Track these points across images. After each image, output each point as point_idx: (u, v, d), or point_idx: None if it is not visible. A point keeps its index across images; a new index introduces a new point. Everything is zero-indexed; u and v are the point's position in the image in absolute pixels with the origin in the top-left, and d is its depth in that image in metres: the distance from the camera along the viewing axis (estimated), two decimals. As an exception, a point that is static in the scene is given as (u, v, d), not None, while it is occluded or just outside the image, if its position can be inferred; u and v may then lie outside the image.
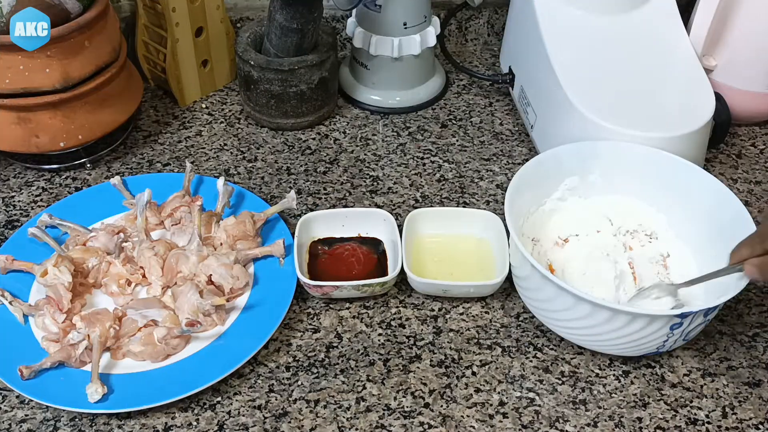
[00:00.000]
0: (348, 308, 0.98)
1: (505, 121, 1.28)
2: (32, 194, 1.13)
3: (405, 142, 1.24)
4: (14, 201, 1.12)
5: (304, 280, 0.94)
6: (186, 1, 1.20)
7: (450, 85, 1.37)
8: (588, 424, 0.85)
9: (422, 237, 1.03)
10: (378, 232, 1.04)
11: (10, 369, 0.86)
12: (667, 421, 0.86)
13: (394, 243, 1.00)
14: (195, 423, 0.85)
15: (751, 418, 0.86)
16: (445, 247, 1.03)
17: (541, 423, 0.85)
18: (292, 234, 1.02)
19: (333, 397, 0.87)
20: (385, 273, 0.99)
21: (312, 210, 1.11)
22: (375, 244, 1.03)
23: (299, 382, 0.89)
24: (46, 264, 0.94)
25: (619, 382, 0.89)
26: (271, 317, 0.93)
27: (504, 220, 0.94)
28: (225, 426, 0.85)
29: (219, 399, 0.87)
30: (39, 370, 0.86)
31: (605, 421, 0.85)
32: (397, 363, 0.91)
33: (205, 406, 0.86)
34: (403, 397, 0.87)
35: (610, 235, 1.02)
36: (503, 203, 0.95)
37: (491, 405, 0.87)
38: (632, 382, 0.90)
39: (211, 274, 0.95)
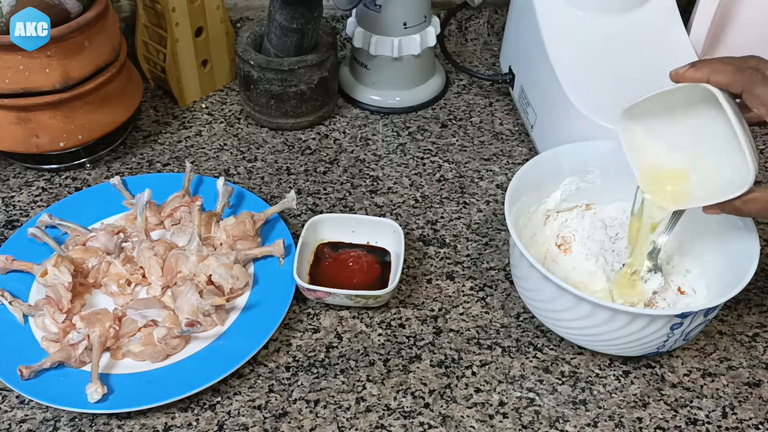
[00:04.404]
0: (348, 308, 0.98)
1: (505, 121, 1.28)
2: (32, 194, 1.14)
3: (405, 142, 1.24)
4: (14, 201, 1.12)
5: (299, 282, 0.94)
6: (186, 1, 1.20)
7: (450, 85, 1.37)
8: (588, 424, 0.85)
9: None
10: (386, 242, 1.04)
11: (10, 369, 0.86)
12: (667, 421, 0.86)
13: (398, 256, 1.00)
14: (195, 423, 0.85)
15: (751, 418, 0.86)
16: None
17: (541, 423, 0.85)
18: (292, 234, 1.03)
19: (333, 397, 0.87)
20: (386, 285, 0.98)
21: (312, 210, 1.11)
22: (382, 254, 1.03)
23: (299, 382, 0.89)
24: (46, 264, 0.94)
25: (619, 382, 0.90)
26: (271, 317, 0.93)
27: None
28: (225, 426, 0.85)
29: (219, 399, 0.87)
30: (39, 370, 0.86)
31: (605, 421, 0.85)
32: (397, 363, 0.91)
33: (205, 406, 0.86)
34: (403, 397, 0.88)
35: (607, 235, 1.02)
36: (503, 203, 0.95)
37: (491, 405, 0.87)
38: (632, 382, 0.90)
39: (211, 274, 0.95)
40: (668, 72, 0.82)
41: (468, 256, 1.05)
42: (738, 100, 0.80)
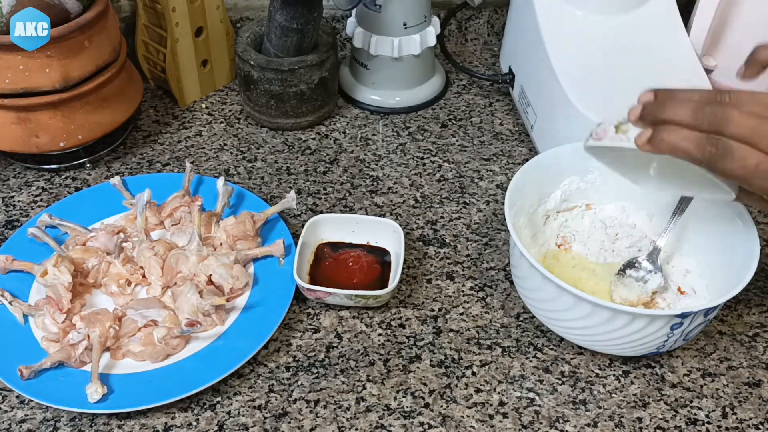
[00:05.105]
0: (348, 308, 0.98)
1: (505, 121, 1.28)
2: (32, 194, 1.13)
3: (405, 142, 1.24)
4: (14, 201, 1.12)
5: (299, 282, 0.94)
6: (186, 1, 1.20)
7: (450, 85, 1.37)
8: (588, 424, 0.85)
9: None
10: (386, 242, 1.04)
11: (10, 369, 0.86)
12: (667, 421, 0.86)
13: (398, 256, 1.00)
14: (195, 423, 0.85)
15: (751, 418, 0.86)
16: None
17: (541, 423, 0.85)
18: (292, 234, 1.03)
19: (333, 397, 0.87)
20: (386, 285, 0.97)
21: (312, 210, 1.11)
22: (382, 254, 1.03)
23: (299, 382, 0.89)
24: (46, 264, 0.93)
25: (619, 382, 0.89)
26: (271, 317, 0.93)
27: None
28: (225, 426, 0.85)
29: (219, 399, 0.87)
30: (39, 370, 0.86)
31: (605, 421, 0.85)
32: (397, 363, 0.91)
33: (205, 406, 0.86)
34: (403, 397, 0.87)
35: (607, 235, 1.02)
36: (503, 203, 0.95)
37: (491, 405, 0.87)
38: (632, 382, 0.90)
39: (211, 274, 0.95)
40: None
41: (468, 256, 1.05)
42: None
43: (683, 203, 0.94)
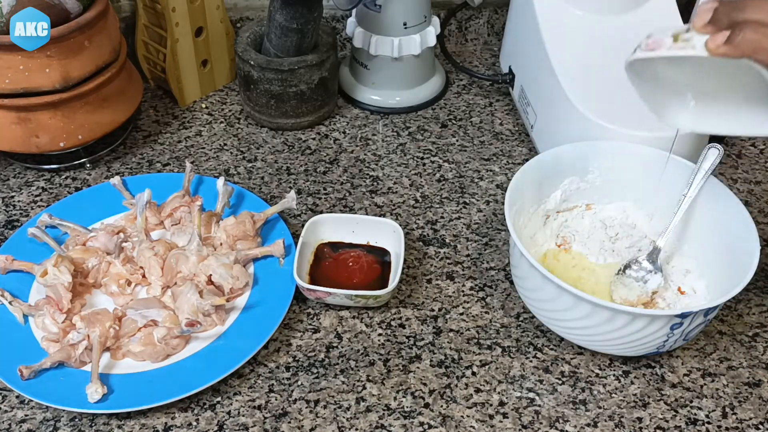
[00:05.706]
0: (348, 308, 0.98)
1: (505, 121, 1.28)
2: (32, 194, 1.13)
3: (405, 142, 1.24)
4: (14, 201, 1.12)
5: (299, 282, 0.94)
6: (186, 1, 1.20)
7: (450, 85, 1.37)
8: (588, 424, 0.85)
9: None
10: (386, 242, 1.03)
11: (10, 369, 0.86)
12: (667, 421, 0.86)
13: (398, 256, 1.00)
14: (195, 423, 0.85)
15: (751, 418, 0.86)
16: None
17: (541, 423, 0.85)
18: (292, 234, 1.03)
19: (333, 397, 0.87)
20: (386, 285, 0.97)
21: (312, 210, 1.11)
22: (382, 254, 1.03)
23: (299, 382, 0.89)
24: (46, 264, 0.93)
25: (619, 382, 0.89)
26: (271, 317, 0.93)
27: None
28: (225, 426, 0.85)
29: (219, 399, 0.87)
30: (39, 370, 0.86)
31: (605, 421, 0.85)
32: (397, 363, 0.91)
33: (205, 406, 0.86)
34: (403, 397, 0.87)
35: (607, 235, 1.02)
36: (503, 203, 0.95)
37: (491, 405, 0.87)
38: (632, 382, 0.90)
39: (211, 274, 0.95)
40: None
41: (468, 256, 1.05)
42: None
43: (683, 203, 0.94)
